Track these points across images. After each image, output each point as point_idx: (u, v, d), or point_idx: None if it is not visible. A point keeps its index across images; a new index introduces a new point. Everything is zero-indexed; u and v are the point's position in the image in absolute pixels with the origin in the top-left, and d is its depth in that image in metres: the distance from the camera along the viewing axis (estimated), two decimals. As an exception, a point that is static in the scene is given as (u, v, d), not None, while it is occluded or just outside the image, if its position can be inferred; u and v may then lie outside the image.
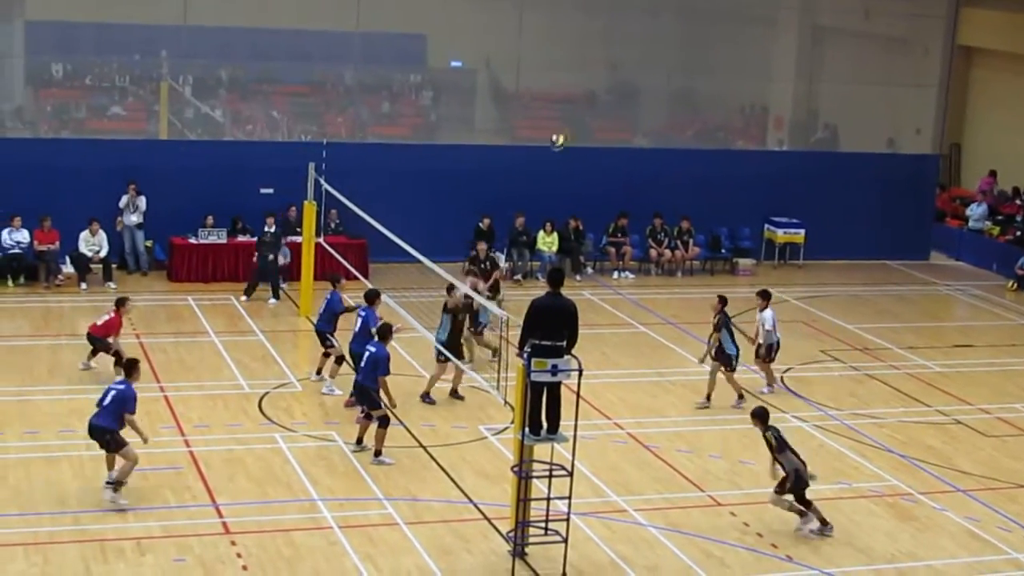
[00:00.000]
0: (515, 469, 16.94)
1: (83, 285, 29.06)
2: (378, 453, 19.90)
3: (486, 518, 18.28)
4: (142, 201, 30.17)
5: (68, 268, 29.41)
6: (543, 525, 16.96)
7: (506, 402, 18.46)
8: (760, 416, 18.63)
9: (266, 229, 29.07)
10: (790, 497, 18.31)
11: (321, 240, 28.35)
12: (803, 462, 18.35)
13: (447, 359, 22.31)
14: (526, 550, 17.04)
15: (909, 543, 18.41)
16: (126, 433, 18.02)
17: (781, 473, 18.30)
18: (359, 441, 20.31)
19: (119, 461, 18.02)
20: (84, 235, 29.40)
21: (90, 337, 23.19)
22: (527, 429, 16.69)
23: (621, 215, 33.21)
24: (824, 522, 18.34)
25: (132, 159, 30.69)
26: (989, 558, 18.15)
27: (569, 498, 16.86)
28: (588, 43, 35.24)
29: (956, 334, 29.66)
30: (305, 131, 34.04)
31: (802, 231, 35.09)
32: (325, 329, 23.31)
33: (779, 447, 18.32)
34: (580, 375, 16.54)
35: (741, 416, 22.03)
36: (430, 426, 21.63)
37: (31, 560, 16.40)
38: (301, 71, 34.61)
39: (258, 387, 23.22)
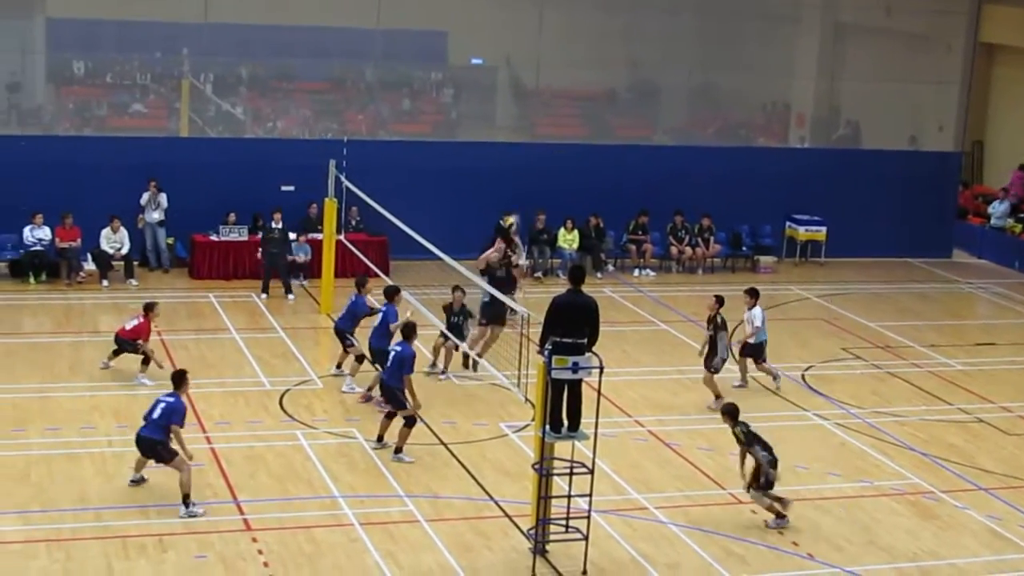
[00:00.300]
0: (536, 466, 16.93)
1: (104, 282, 29.15)
2: (399, 450, 19.91)
3: (507, 515, 18.27)
4: (163, 198, 30.23)
5: (90, 265, 29.49)
6: (564, 522, 16.94)
7: (527, 399, 18.47)
8: (730, 413, 18.68)
9: (273, 225, 29.13)
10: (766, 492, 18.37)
11: (342, 237, 28.37)
12: (775, 458, 18.33)
13: (487, 322, 22.88)
14: (547, 547, 17.02)
15: (931, 541, 18.34)
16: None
17: (751, 465, 18.29)
18: (380, 439, 20.32)
19: (178, 475, 17.77)
20: (105, 232, 29.47)
21: (118, 339, 23.23)
22: (548, 426, 16.67)
23: (642, 212, 33.18)
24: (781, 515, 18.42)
25: (153, 156, 30.77)
26: (1011, 557, 18.08)
27: (590, 496, 16.87)
28: (608, 40, 35.18)
29: (978, 332, 29.57)
30: (326, 128, 34.08)
31: (824, 228, 35.00)
32: (345, 328, 23.35)
33: (748, 441, 18.35)
34: (601, 372, 16.51)
35: (762, 414, 21.97)
36: (451, 423, 21.64)
37: (53, 556, 16.44)
38: (322, 68, 34.63)
39: (279, 384, 23.24)
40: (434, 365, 23.98)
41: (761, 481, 18.28)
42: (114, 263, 29.49)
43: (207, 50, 32.87)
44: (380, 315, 22.27)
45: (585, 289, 16.98)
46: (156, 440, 17.82)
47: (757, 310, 23.77)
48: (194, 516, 17.62)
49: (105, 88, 33.03)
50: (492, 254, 24.64)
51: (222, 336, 26.10)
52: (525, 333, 17.88)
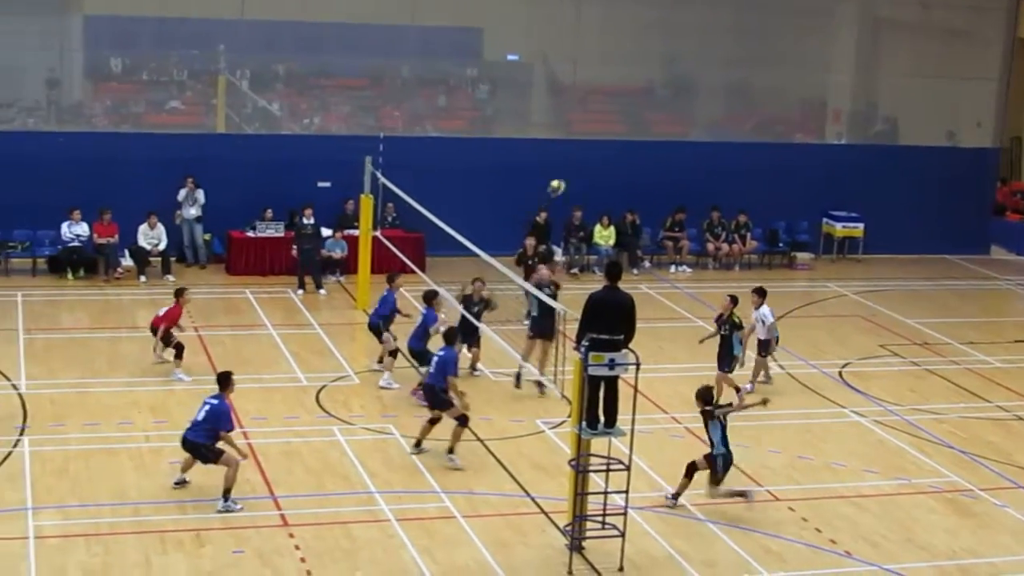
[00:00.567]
0: (572, 463, 16.91)
1: (142, 278, 29.28)
2: (451, 450, 19.80)
3: (543, 512, 18.26)
4: (200, 195, 30.36)
5: (127, 261, 29.65)
6: (600, 519, 16.92)
7: (563, 396, 18.42)
8: (703, 397, 18.63)
9: (304, 221, 29.22)
10: (724, 488, 18.43)
11: (378, 234, 28.41)
12: (730, 454, 18.38)
13: (535, 335, 22.75)
14: (583, 544, 16.99)
15: (969, 539, 18.23)
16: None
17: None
18: (418, 444, 20.17)
19: (224, 470, 17.82)
20: (143, 228, 29.61)
21: (153, 329, 23.37)
22: (584, 423, 16.65)
23: (678, 209, 33.12)
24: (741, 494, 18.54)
25: (190, 153, 30.87)
26: (1051, 555, 17.98)
27: (627, 492, 16.85)
28: (645, 36, 35.12)
29: (1016, 329, 29.37)
30: (362, 125, 34.13)
31: (861, 225, 34.89)
32: (378, 323, 23.40)
33: (723, 428, 18.33)
34: (637, 369, 16.48)
35: (800, 411, 21.89)
36: (487, 419, 21.63)
37: (92, 550, 16.52)
38: (357, 65, 34.65)
39: (315, 380, 23.29)
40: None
41: (719, 475, 18.34)
42: (151, 259, 29.64)
43: (243, 47, 32.97)
44: (420, 317, 22.36)
45: (621, 286, 16.94)
46: (200, 443, 17.88)
47: (765, 308, 23.63)
48: (230, 511, 17.68)
49: (142, 85, 33.17)
50: (544, 273, 23.90)
51: (259, 332, 26.18)
52: (562, 330, 17.87)
